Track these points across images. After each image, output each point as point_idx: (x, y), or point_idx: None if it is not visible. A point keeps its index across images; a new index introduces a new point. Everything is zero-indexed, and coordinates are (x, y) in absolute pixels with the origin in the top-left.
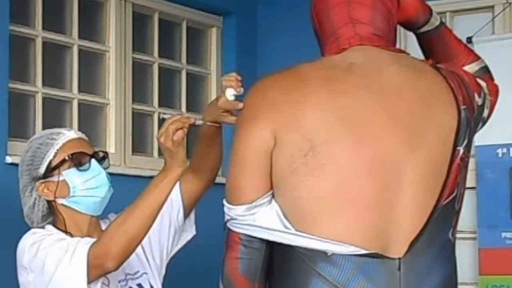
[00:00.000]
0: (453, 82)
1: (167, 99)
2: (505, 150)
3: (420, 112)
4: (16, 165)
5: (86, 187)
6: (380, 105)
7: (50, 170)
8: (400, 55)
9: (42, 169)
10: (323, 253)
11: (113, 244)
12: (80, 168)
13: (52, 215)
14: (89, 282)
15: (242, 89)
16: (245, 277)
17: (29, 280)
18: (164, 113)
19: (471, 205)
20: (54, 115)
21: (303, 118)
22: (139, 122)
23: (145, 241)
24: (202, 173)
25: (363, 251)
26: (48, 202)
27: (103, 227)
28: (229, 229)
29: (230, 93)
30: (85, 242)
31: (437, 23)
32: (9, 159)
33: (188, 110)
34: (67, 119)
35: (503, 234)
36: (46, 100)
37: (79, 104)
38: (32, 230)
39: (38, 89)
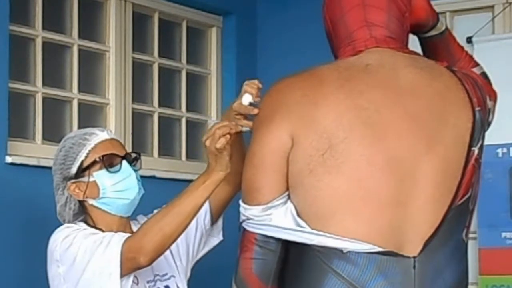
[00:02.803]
0: (467, 84)
1: (167, 99)
2: (505, 150)
3: (436, 112)
4: (15, 165)
5: (116, 189)
6: (396, 105)
7: (82, 171)
8: (415, 57)
9: (73, 169)
10: (339, 251)
11: (147, 240)
12: (111, 170)
13: (84, 214)
14: (122, 275)
15: (259, 99)
16: (259, 278)
17: (60, 272)
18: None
19: None
20: (54, 115)
21: (321, 119)
22: (139, 122)
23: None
24: (228, 177)
25: (379, 249)
26: (80, 201)
27: (133, 228)
28: (245, 230)
29: (247, 99)
30: (119, 235)
31: (443, 28)
32: (9, 159)
33: (188, 110)
34: (67, 119)
35: (503, 234)
36: (46, 100)
37: (79, 104)
38: (66, 224)
39: (38, 89)
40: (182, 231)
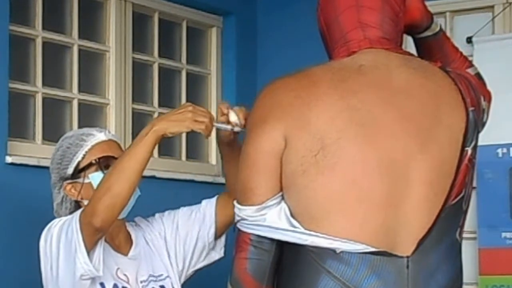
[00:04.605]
0: (461, 84)
1: (167, 99)
2: (505, 150)
3: (430, 112)
4: (15, 165)
5: None
6: (390, 105)
7: (78, 172)
8: (409, 58)
9: (70, 170)
10: (332, 251)
11: (97, 201)
12: (106, 172)
13: None
14: (87, 244)
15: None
16: (253, 278)
17: (47, 262)
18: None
19: (471, 205)
20: (54, 115)
21: (314, 119)
22: (139, 122)
23: (170, 247)
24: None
25: (372, 249)
26: (76, 200)
27: (130, 229)
28: (239, 230)
29: (234, 117)
30: (81, 210)
31: (437, 29)
32: (9, 159)
33: None
34: (67, 119)
35: (503, 234)
36: (46, 100)
37: (79, 104)
38: (54, 220)
39: (38, 89)
40: (131, 187)
